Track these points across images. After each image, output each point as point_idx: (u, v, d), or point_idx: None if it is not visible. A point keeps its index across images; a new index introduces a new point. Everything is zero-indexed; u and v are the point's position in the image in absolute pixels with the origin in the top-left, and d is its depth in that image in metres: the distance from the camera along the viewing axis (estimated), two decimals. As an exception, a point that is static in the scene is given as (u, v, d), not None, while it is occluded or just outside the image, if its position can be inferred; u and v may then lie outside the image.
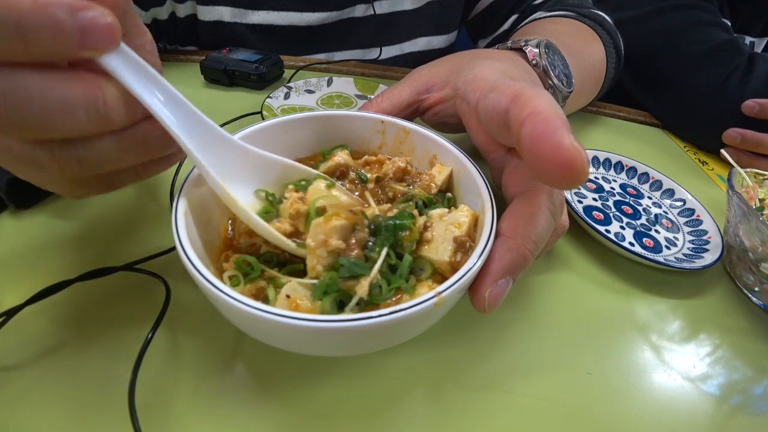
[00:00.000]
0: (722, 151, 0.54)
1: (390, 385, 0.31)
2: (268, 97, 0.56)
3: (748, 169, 0.49)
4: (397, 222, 0.28)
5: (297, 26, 0.70)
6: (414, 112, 0.43)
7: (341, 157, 0.36)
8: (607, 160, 0.55)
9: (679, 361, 0.36)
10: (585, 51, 0.57)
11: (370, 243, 0.28)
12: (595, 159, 0.55)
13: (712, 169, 0.63)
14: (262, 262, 0.29)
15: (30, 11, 0.18)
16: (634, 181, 0.54)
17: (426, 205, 0.33)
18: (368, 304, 0.26)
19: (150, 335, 0.29)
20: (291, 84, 0.59)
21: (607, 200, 0.50)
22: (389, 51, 0.79)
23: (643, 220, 0.48)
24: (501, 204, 0.30)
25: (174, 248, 0.35)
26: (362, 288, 0.25)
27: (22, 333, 0.30)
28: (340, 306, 0.26)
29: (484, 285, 0.27)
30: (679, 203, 0.51)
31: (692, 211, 0.49)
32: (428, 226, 0.30)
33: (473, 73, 0.37)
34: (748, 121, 0.62)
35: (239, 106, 0.56)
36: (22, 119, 0.20)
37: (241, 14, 0.67)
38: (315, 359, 0.31)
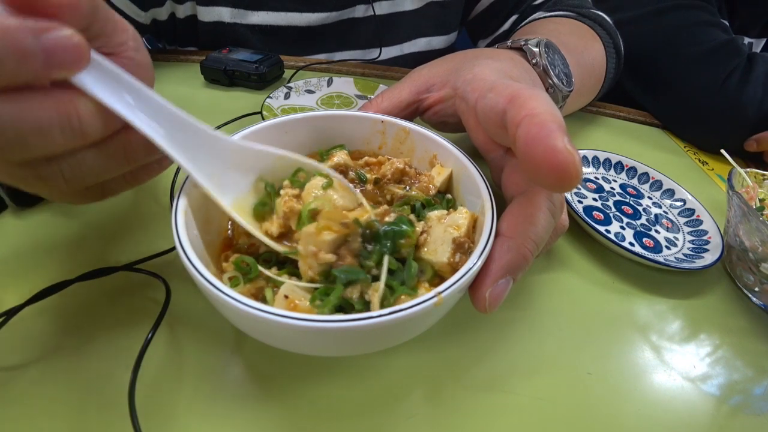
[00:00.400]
0: (722, 150, 0.54)
1: (390, 385, 0.31)
2: (268, 97, 0.56)
3: (748, 169, 0.49)
4: (396, 229, 0.28)
5: (297, 26, 0.70)
6: (414, 111, 0.43)
7: (340, 157, 0.36)
8: (607, 160, 0.55)
9: (679, 361, 0.36)
10: (585, 51, 0.57)
11: (368, 248, 0.27)
12: (595, 159, 0.55)
13: (712, 169, 0.63)
14: (261, 261, 0.29)
15: None
16: (634, 181, 0.54)
17: (424, 206, 0.33)
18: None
19: (150, 335, 0.29)
20: (291, 84, 0.59)
21: (607, 200, 0.50)
22: (389, 51, 0.79)
23: (643, 220, 0.48)
24: (501, 204, 0.30)
25: (174, 248, 0.35)
26: (374, 306, 0.25)
27: (22, 333, 0.30)
28: (338, 309, 0.26)
29: (484, 285, 0.27)
30: (679, 203, 0.51)
31: (692, 211, 0.49)
32: (426, 229, 0.30)
33: (473, 72, 0.37)
34: (748, 122, 0.62)
35: (239, 106, 0.56)
36: None
37: (241, 15, 0.67)
38: (315, 359, 0.31)
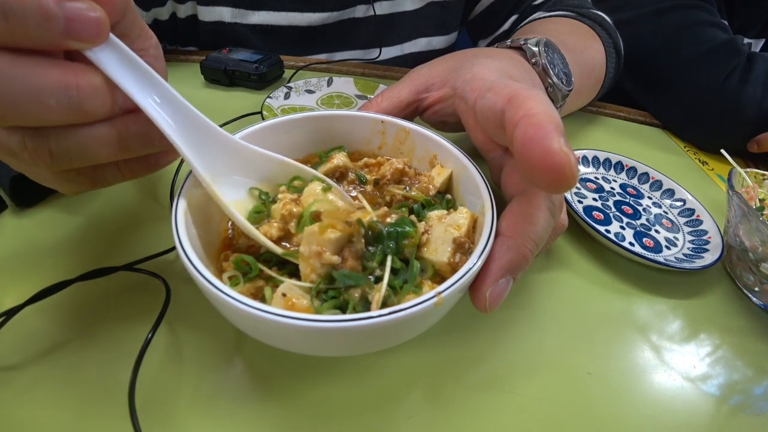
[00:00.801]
0: (722, 150, 0.54)
1: (390, 385, 0.31)
2: (268, 97, 0.56)
3: (748, 169, 0.49)
4: (399, 230, 0.28)
5: (297, 26, 0.70)
6: (414, 111, 0.43)
7: (340, 159, 0.36)
8: (607, 160, 0.55)
9: (679, 361, 0.36)
10: (585, 50, 0.57)
11: (371, 249, 0.28)
12: (595, 159, 0.55)
13: (712, 169, 0.63)
14: (261, 261, 0.29)
15: None
16: (634, 181, 0.54)
17: (424, 207, 0.33)
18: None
19: (150, 335, 0.29)
20: (291, 84, 0.59)
21: (607, 200, 0.50)
22: (390, 51, 0.79)
23: (643, 220, 0.48)
24: (500, 203, 0.30)
25: (174, 248, 0.35)
26: (375, 305, 0.25)
27: (22, 333, 0.30)
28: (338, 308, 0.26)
29: (484, 284, 0.27)
30: (679, 203, 0.51)
31: (692, 211, 0.49)
32: (427, 228, 0.30)
33: (472, 72, 0.37)
34: (747, 121, 0.62)
35: (239, 106, 0.56)
36: None
37: (241, 14, 0.67)
38: (315, 359, 0.31)
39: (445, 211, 0.31)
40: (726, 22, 0.73)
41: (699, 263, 0.41)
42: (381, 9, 0.73)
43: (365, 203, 0.32)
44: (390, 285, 0.26)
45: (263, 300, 0.27)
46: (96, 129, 0.24)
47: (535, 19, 0.69)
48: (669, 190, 0.52)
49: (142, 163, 0.28)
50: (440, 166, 0.36)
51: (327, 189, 0.31)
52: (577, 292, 0.40)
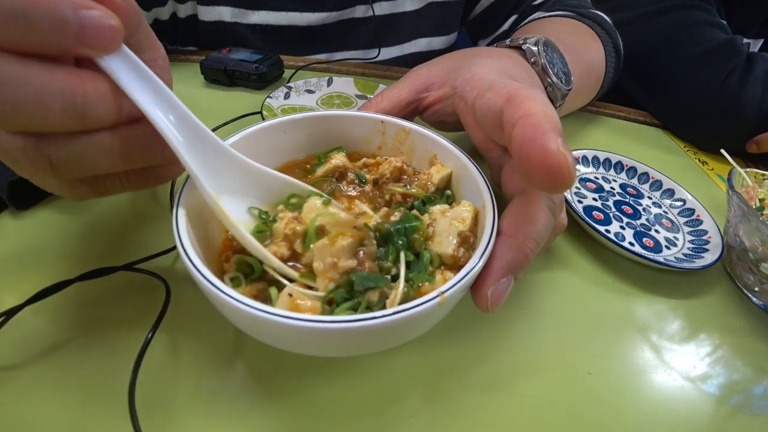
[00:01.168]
0: (722, 150, 0.54)
1: (390, 385, 0.31)
2: (268, 97, 0.56)
3: (748, 169, 0.49)
4: (408, 226, 0.28)
5: (297, 26, 0.70)
6: (413, 110, 0.43)
7: (339, 159, 0.36)
8: (607, 160, 0.55)
9: (679, 361, 0.36)
10: (584, 50, 0.57)
11: (381, 250, 0.28)
12: (595, 159, 0.55)
13: (712, 169, 0.63)
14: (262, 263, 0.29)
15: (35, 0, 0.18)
16: (634, 181, 0.54)
17: (424, 203, 0.33)
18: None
19: (150, 335, 0.29)
20: (291, 84, 0.59)
21: (607, 200, 0.50)
22: (390, 52, 0.79)
23: (643, 220, 0.48)
24: (500, 202, 0.30)
25: (174, 248, 0.35)
26: (392, 303, 0.25)
27: (22, 333, 0.30)
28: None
29: (486, 284, 0.27)
30: (679, 203, 0.51)
31: (692, 211, 0.49)
32: (431, 222, 0.31)
33: (471, 71, 0.37)
34: (747, 121, 0.62)
35: (239, 106, 0.56)
36: None
37: (241, 14, 0.67)
38: (315, 359, 0.31)
39: (447, 206, 0.32)
40: (725, 22, 0.73)
41: (699, 263, 0.42)
42: (381, 9, 0.73)
43: (366, 208, 0.32)
44: (405, 279, 0.27)
45: (267, 300, 0.27)
46: (98, 138, 0.23)
47: (534, 19, 0.69)
48: (669, 190, 0.52)
49: (143, 176, 0.28)
50: (440, 165, 0.36)
51: (327, 203, 0.31)
52: (577, 292, 0.40)
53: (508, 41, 0.47)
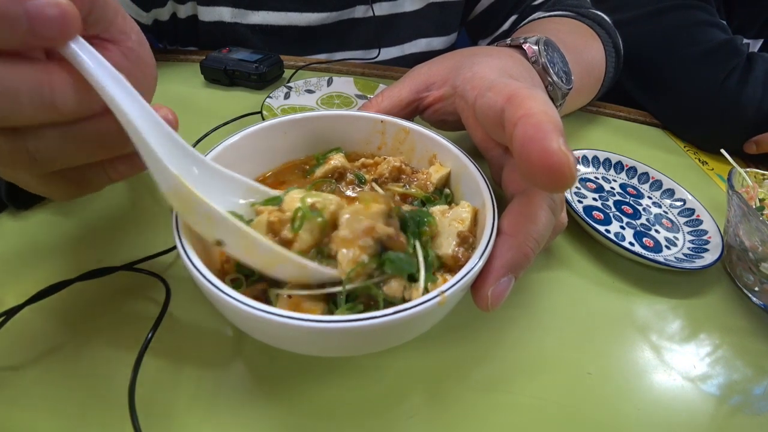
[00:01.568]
0: (722, 150, 0.54)
1: (390, 385, 0.31)
2: (268, 97, 0.56)
3: (748, 169, 0.49)
4: (421, 214, 0.28)
5: (297, 26, 0.70)
6: (414, 110, 0.43)
7: (337, 160, 0.36)
8: (607, 160, 0.55)
9: (679, 361, 0.36)
10: (584, 49, 0.57)
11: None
12: (595, 159, 0.55)
13: (712, 169, 0.63)
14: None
15: None
16: (634, 181, 0.54)
17: (424, 203, 0.33)
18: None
19: (150, 335, 0.29)
20: (291, 84, 0.59)
21: (607, 200, 0.50)
22: (390, 52, 0.79)
23: (643, 220, 0.48)
24: (501, 202, 0.30)
25: (174, 248, 0.35)
26: (417, 294, 0.25)
27: (22, 333, 0.30)
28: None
29: (486, 283, 0.27)
30: (679, 203, 0.51)
31: (692, 210, 0.49)
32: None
33: (472, 71, 0.37)
34: (747, 122, 0.62)
35: (239, 106, 0.56)
36: None
37: (241, 14, 0.67)
38: (315, 359, 0.31)
39: (446, 206, 0.32)
40: (725, 22, 0.73)
41: (699, 263, 0.41)
42: (380, 10, 0.73)
43: (378, 187, 0.32)
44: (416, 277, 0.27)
45: (267, 301, 0.27)
46: (74, 127, 0.23)
47: (534, 19, 0.69)
48: (669, 189, 0.52)
49: (127, 163, 0.27)
50: (439, 165, 0.36)
51: (309, 190, 0.29)
52: (577, 292, 0.40)
53: (508, 40, 0.47)
